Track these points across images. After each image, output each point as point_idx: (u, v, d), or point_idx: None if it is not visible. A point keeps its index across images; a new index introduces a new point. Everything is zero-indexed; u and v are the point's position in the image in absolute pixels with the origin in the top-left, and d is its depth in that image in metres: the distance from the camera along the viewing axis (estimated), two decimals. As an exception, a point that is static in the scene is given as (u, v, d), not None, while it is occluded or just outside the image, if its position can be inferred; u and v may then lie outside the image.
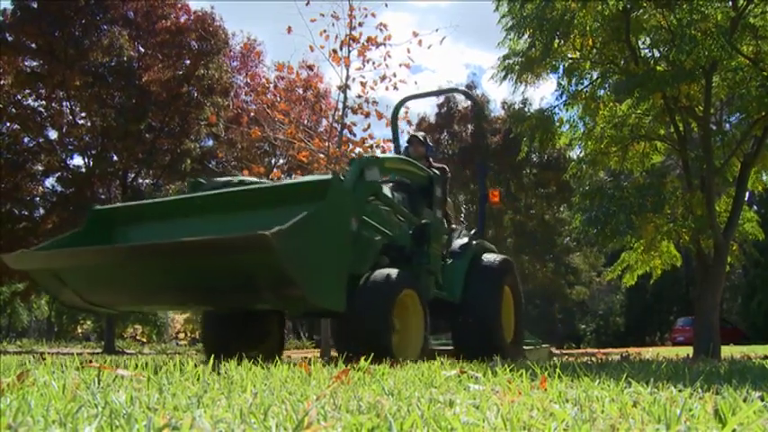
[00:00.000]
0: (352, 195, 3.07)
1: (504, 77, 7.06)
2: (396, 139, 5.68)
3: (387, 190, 3.80)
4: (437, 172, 4.27)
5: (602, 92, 7.20)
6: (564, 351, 14.92)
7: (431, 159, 4.67)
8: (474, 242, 4.43)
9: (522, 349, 4.58)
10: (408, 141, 4.82)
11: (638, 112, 6.88)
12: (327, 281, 2.73)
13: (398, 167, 3.96)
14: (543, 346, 6.16)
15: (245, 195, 3.17)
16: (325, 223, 2.73)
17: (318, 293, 2.67)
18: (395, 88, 11.08)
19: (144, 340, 25.18)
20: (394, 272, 3.18)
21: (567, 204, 18.50)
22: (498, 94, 78.74)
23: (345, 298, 2.79)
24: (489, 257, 4.34)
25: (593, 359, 3.80)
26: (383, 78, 10.86)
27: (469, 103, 23.66)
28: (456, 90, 5.09)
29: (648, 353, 6.41)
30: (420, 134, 4.90)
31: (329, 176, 2.90)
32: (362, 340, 2.97)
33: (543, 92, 64.08)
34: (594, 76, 7.21)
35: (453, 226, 4.60)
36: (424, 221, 3.80)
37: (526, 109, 9.65)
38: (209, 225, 3.03)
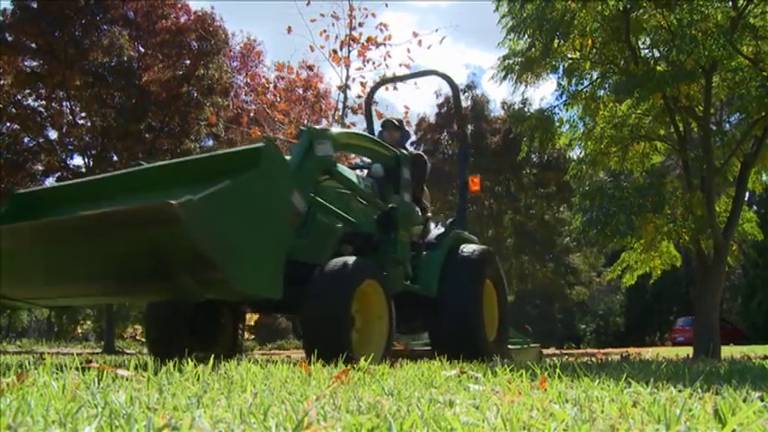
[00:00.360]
0: (296, 169, 2.77)
1: (504, 78, 7.06)
2: (370, 126, 5.30)
3: (351, 174, 3.49)
4: (405, 152, 3.82)
5: (602, 92, 7.21)
6: (564, 351, 14.92)
7: (407, 147, 4.25)
8: (452, 232, 4.07)
9: (506, 349, 4.24)
10: (382, 126, 4.30)
11: (638, 112, 6.88)
12: (258, 263, 2.36)
13: (357, 144, 3.55)
14: (532, 345, 5.76)
15: (178, 170, 2.84)
16: (256, 196, 2.37)
17: (246, 278, 2.29)
18: (395, 89, 11.10)
19: (144, 340, 25.14)
20: (352, 260, 2.88)
21: (567, 204, 18.51)
22: (498, 94, 78.82)
23: (281, 283, 2.42)
24: (468, 248, 3.94)
25: (593, 359, 3.79)
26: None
27: (469, 103, 23.70)
28: (433, 72, 4.97)
29: (648, 353, 6.41)
30: (395, 119, 4.42)
31: (261, 144, 2.54)
32: (318, 335, 2.71)
33: (543, 92, 64.16)
34: (594, 77, 7.21)
35: (429, 215, 4.22)
36: (390, 206, 3.46)
37: (526, 109, 9.64)
38: (141, 203, 2.64)
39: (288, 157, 2.86)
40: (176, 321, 3.33)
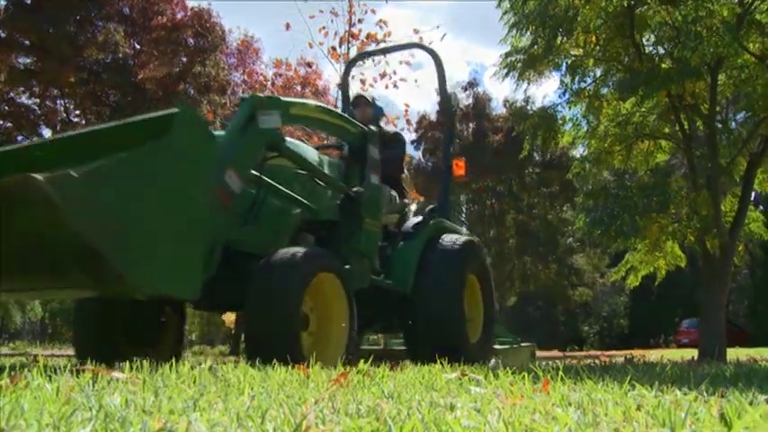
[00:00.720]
0: (231, 143, 2.43)
1: (507, 75, 7.05)
2: (346, 103, 4.83)
3: (310, 152, 3.15)
4: (374, 129, 3.35)
5: (605, 89, 7.19)
6: (566, 354, 14.89)
7: (381, 126, 3.79)
8: (432, 220, 3.67)
9: (491, 350, 3.87)
10: (353, 103, 3.86)
11: (643, 110, 6.85)
12: (167, 256, 2.00)
13: (313, 117, 3.14)
14: (524, 344, 5.47)
15: (91, 139, 2.39)
16: (165, 172, 1.98)
17: (150, 273, 1.91)
18: (395, 86, 11.09)
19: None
20: (303, 250, 2.53)
21: (571, 204, 18.47)
22: (500, 91, 78.62)
23: (200, 281, 2.10)
24: (449, 239, 3.53)
25: (597, 361, 3.75)
26: (383, 76, 10.88)
27: (471, 101, 23.65)
28: (416, 45, 4.89)
29: (653, 355, 6.36)
30: (368, 94, 4.02)
31: (175, 109, 2.12)
32: (262, 337, 2.37)
33: (546, 89, 63.92)
34: (598, 74, 7.19)
35: (406, 201, 3.83)
36: (354, 189, 3.09)
37: (528, 107, 9.62)
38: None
39: (220, 132, 2.56)
40: (109, 321, 2.91)
